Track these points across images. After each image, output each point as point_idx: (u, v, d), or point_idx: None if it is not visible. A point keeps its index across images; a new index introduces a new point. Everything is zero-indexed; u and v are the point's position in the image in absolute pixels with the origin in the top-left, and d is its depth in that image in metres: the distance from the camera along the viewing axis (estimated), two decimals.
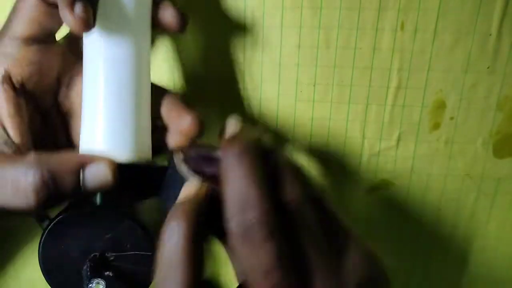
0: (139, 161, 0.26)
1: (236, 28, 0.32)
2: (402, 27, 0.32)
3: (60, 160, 0.24)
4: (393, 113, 0.34)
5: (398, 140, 0.35)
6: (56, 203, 0.24)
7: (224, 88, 0.34)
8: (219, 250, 0.39)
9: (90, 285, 0.27)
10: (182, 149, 0.22)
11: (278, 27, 0.32)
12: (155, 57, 0.33)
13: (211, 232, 0.25)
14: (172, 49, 0.33)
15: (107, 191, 0.25)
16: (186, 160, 0.22)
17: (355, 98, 0.34)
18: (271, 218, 0.19)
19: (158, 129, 0.28)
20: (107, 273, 0.30)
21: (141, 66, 0.26)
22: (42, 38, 0.26)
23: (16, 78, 0.25)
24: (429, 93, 0.33)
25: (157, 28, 0.27)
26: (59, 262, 0.30)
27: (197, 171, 0.22)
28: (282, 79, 0.33)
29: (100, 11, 0.24)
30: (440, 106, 0.34)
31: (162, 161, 0.29)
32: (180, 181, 0.24)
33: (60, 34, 0.28)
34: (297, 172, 0.21)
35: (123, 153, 0.25)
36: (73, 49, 0.28)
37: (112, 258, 0.30)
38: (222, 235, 0.25)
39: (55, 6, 0.24)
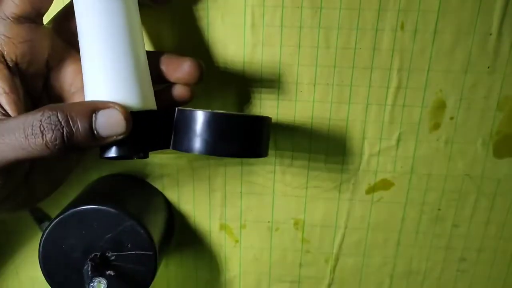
0: (146, 109, 0.27)
1: (236, 28, 0.32)
2: (402, 27, 0.32)
3: (73, 105, 0.24)
4: (393, 113, 0.34)
5: (398, 140, 0.35)
6: (71, 150, 0.24)
7: (224, 88, 0.34)
8: (219, 249, 0.39)
9: (92, 284, 0.27)
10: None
11: (278, 27, 0.32)
12: None
13: None
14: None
15: (122, 141, 0.25)
16: None
17: (355, 98, 0.34)
18: None
19: (163, 93, 0.29)
20: (108, 272, 0.30)
21: (132, 17, 0.26)
22: (32, 18, 0.26)
23: (10, 57, 0.26)
24: (429, 93, 0.33)
25: None
26: (59, 261, 0.30)
27: None
28: (282, 79, 0.33)
29: None
30: (440, 106, 0.34)
31: None
32: (189, 125, 0.26)
33: (46, 19, 0.28)
34: None
35: (129, 103, 0.26)
36: (59, 33, 0.29)
37: (113, 258, 0.30)
38: None
39: None
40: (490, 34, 0.31)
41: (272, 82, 0.34)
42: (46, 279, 0.31)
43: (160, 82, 0.29)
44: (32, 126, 0.23)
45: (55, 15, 0.29)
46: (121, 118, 0.25)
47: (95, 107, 0.24)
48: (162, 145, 0.28)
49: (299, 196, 0.37)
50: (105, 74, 0.26)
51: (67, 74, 0.29)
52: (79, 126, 0.24)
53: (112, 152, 0.26)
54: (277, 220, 0.38)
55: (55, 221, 0.30)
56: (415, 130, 0.34)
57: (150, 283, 0.31)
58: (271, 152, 0.36)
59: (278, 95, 0.34)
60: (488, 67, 0.32)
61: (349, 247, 0.38)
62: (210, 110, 0.26)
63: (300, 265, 0.39)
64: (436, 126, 0.34)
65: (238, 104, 0.34)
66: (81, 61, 0.27)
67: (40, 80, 0.28)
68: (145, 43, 0.29)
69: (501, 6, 0.31)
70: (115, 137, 0.25)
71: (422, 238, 0.37)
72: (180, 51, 0.33)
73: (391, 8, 0.31)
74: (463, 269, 0.38)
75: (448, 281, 0.39)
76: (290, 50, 0.33)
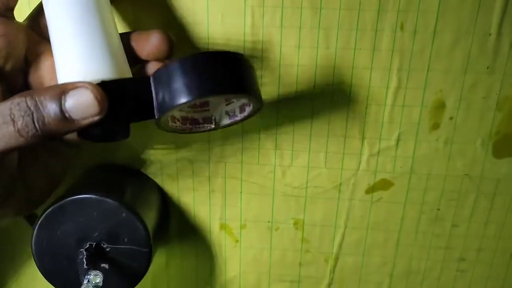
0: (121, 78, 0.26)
1: (236, 28, 0.32)
2: (401, 28, 0.32)
3: (42, 89, 0.24)
4: (393, 113, 0.34)
5: (398, 140, 0.35)
6: (48, 137, 0.24)
7: None
8: (219, 249, 0.39)
9: (88, 276, 0.27)
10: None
11: (278, 27, 0.32)
12: None
13: None
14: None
15: (103, 120, 0.24)
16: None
17: (355, 98, 0.34)
18: None
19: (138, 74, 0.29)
20: (103, 265, 0.30)
21: None
22: (1, 12, 0.26)
23: None
24: (428, 93, 0.33)
25: None
26: (52, 247, 0.30)
27: None
28: (282, 79, 0.34)
29: None
30: (440, 106, 0.34)
31: None
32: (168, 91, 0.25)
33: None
34: None
35: (101, 74, 0.25)
36: (35, 28, 0.28)
37: (108, 250, 0.30)
38: None
39: None
40: (490, 34, 0.32)
41: (271, 82, 0.34)
42: (36, 263, 0.30)
43: (135, 63, 0.28)
44: (3, 115, 0.23)
45: (30, 13, 0.29)
46: (91, 98, 0.23)
47: (64, 89, 0.23)
48: (144, 116, 0.26)
49: (299, 196, 0.37)
50: (76, 48, 0.25)
51: (46, 69, 0.28)
52: (49, 110, 0.23)
53: (92, 129, 0.25)
54: (277, 220, 0.38)
55: (53, 206, 0.29)
56: (414, 130, 0.34)
57: (139, 280, 0.31)
58: (271, 152, 0.36)
59: (278, 95, 0.34)
60: (488, 67, 0.32)
61: (349, 246, 0.38)
62: (181, 57, 0.25)
63: (300, 264, 0.39)
64: (435, 126, 0.34)
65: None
66: (51, 43, 0.26)
67: (20, 76, 0.28)
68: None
69: (500, 6, 0.31)
70: (90, 119, 0.24)
71: (421, 238, 0.38)
72: (180, 51, 0.33)
73: (390, 9, 0.31)
74: (463, 269, 0.38)
75: (448, 281, 0.39)
76: (290, 50, 0.33)
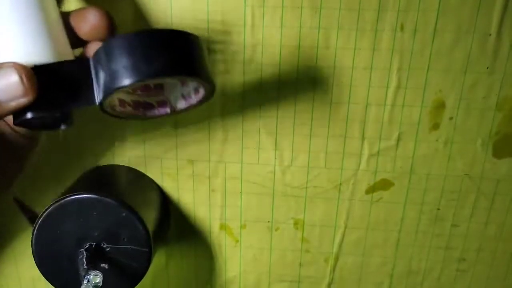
0: (60, 60, 0.24)
1: (236, 28, 0.32)
2: (401, 28, 0.32)
3: None
4: (393, 113, 0.34)
5: (398, 140, 0.35)
6: None
7: (224, 88, 0.34)
8: (219, 249, 0.39)
9: (88, 276, 0.27)
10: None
11: (278, 27, 0.32)
12: None
13: None
14: None
15: (37, 105, 0.23)
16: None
17: (355, 98, 0.34)
18: None
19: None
20: (103, 265, 0.29)
21: None
22: None
23: None
24: (428, 93, 0.33)
25: None
26: (52, 246, 0.30)
27: None
28: (282, 79, 0.34)
29: None
30: (440, 106, 0.34)
31: None
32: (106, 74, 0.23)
33: None
34: None
35: (40, 57, 0.23)
36: None
37: (108, 249, 0.30)
38: None
39: None
40: (490, 34, 0.32)
41: (272, 82, 0.34)
42: (36, 263, 0.30)
43: (79, 45, 0.27)
44: None
45: None
46: (16, 79, 0.22)
47: None
48: (85, 101, 0.24)
49: (299, 196, 0.37)
50: (7, 27, 0.23)
51: None
52: None
53: (24, 115, 0.23)
54: (277, 220, 0.38)
55: (53, 205, 0.29)
56: (414, 130, 0.34)
57: (140, 280, 0.31)
58: (271, 152, 0.36)
59: (278, 95, 0.34)
60: (488, 67, 0.32)
61: (349, 246, 0.38)
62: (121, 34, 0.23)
63: (300, 264, 0.39)
64: (435, 126, 0.34)
65: (238, 105, 0.35)
66: None
67: None
68: None
69: (500, 6, 0.31)
70: (16, 101, 0.22)
71: (421, 238, 0.38)
72: None
73: (390, 8, 0.31)
74: (463, 269, 0.38)
75: (448, 281, 0.39)
76: (290, 50, 0.33)
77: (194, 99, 0.27)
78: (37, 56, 0.23)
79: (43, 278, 0.31)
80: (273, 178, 0.37)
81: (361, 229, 0.38)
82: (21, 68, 0.22)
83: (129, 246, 0.30)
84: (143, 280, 0.32)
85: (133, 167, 0.37)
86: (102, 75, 0.23)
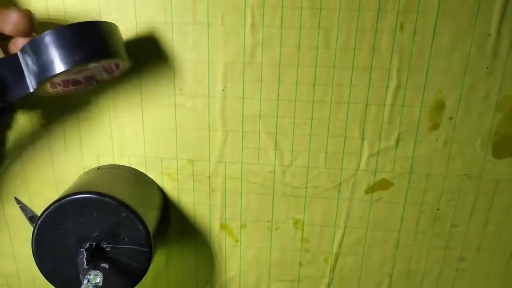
0: None
1: (236, 28, 0.32)
2: (401, 28, 0.32)
3: None
4: (393, 113, 0.34)
5: (398, 140, 0.35)
6: None
7: (224, 88, 0.34)
8: (219, 249, 0.39)
9: (88, 276, 0.27)
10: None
11: (278, 27, 0.32)
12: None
13: None
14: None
15: None
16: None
17: (355, 98, 0.34)
18: None
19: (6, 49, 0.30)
20: (103, 264, 0.30)
21: None
22: None
23: None
24: (428, 93, 0.33)
25: None
26: (52, 245, 0.30)
27: None
28: (282, 79, 0.34)
29: None
30: (439, 106, 0.34)
31: None
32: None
33: None
34: None
35: None
36: None
37: (108, 249, 0.30)
38: None
39: None
40: (489, 35, 0.32)
41: (272, 82, 0.34)
42: (36, 262, 0.31)
43: (3, 39, 0.30)
44: None
45: None
46: None
47: None
48: (20, 91, 0.28)
49: (299, 195, 0.37)
50: None
51: None
52: None
53: None
54: (277, 220, 0.38)
55: (54, 206, 0.30)
56: (414, 130, 0.34)
57: (140, 280, 0.31)
58: (271, 152, 0.36)
59: (278, 95, 0.34)
60: (487, 68, 0.32)
61: (349, 246, 0.38)
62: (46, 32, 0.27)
63: (300, 264, 0.39)
64: (435, 126, 0.34)
65: (238, 104, 0.35)
66: None
67: None
68: None
69: (500, 6, 0.31)
70: None
71: (421, 238, 0.38)
72: (179, 51, 0.33)
73: (390, 9, 0.31)
74: (462, 269, 0.38)
75: (447, 281, 0.39)
76: (290, 51, 0.33)
77: (116, 72, 0.32)
78: None
79: (43, 277, 0.31)
80: (273, 178, 0.37)
81: (361, 229, 0.38)
82: None
83: (129, 246, 0.30)
84: (143, 279, 0.32)
85: (134, 167, 0.37)
86: (33, 67, 0.27)
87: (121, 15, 0.33)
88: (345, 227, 0.38)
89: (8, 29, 0.29)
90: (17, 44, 0.29)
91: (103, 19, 0.33)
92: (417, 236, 0.38)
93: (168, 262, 0.40)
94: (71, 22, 0.33)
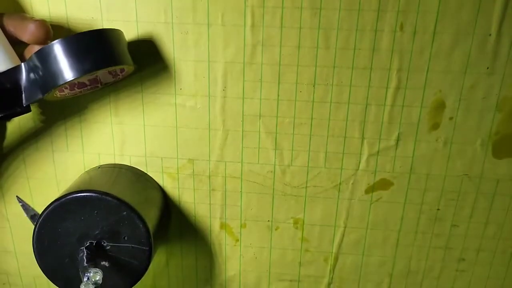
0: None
1: (236, 28, 0.32)
2: (401, 28, 0.32)
3: None
4: (392, 113, 0.34)
5: (397, 140, 0.35)
6: None
7: (224, 88, 0.34)
8: (219, 248, 0.40)
9: (88, 274, 0.27)
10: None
11: (278, 27, 0.32)
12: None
13: None
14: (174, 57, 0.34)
15: None
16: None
17: (355, 98, 0.34)
18: None
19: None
20: (103, 262, 0.30)
21: None
22: None
23: None
24: (428, 94, 0.33)
25: None
26: (53, 243, 0.30)
27: None
28: (282, 79, 0.34)
29: None
30: (439, 106, 0.34)
31: None
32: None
33: None
34: None
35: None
36: None
37: (108, 248, 0.30)
38: None
39: None
40: (490, 35, 0.32)
41: (272, 82, 0.34)
42: (37, 260, 0.31)
43: (19, 43, 0.31)
44: None
45: None
46: None
47: None
48: (33, 96, 0.29)
49: (299, 195, 0.37)
50: None
51: None
52: None
53: None
54: (276, 219, 0.38)
55: (54, 204, 0.30)
56: (414, 130, 0.34)
57: (140, 278, 0.31)
58: (271, 152, 0.36)
59: (278, 95, 0.34)
60: (487, 68, 0.32)
61: (349, 246, 0.38)
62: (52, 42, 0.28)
63: (300, 264, 0.39)
64: (435, 126, 0.34)
65: (238, 105, 0.35)
66: None
67: None
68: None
69: (500, 7, 0.31)
70: None
71: (421, 238, 0.38)
72: (178, 51, 0.33)
73: (390, 9, 0.31)
74: (462, 269, 0.38)
75: (447, 281, 0.39)
76: (290, 51, 0.33)
77: (120, 75, 0.33)
78: None
79: (44, 275, 0.31)
80: (273, 178, 0.37)
81: (361, 229, 0.38)
82: None
83: (130, 245, 0.31)
84: (144, 278, 0.32)
85: (134, 166, 0.37)
86: (43, 75, 0.28)
87: (122, 15, 0.33)
88: (345, 227, 0.38)
89: (26, 37, 0.30)
90: (33, 51, 0.30)
91: (104, 20, 0.33)
92: (417, 236, 0.38)
93: (169, 261, 0.40)
94: (73, 24, 0.33)
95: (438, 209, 0.37)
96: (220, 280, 0.41)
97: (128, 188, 0.34)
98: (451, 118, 0.34)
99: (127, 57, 0.31)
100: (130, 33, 0.33)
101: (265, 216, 0.38)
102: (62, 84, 0.28)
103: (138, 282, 0.32)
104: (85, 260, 0.28)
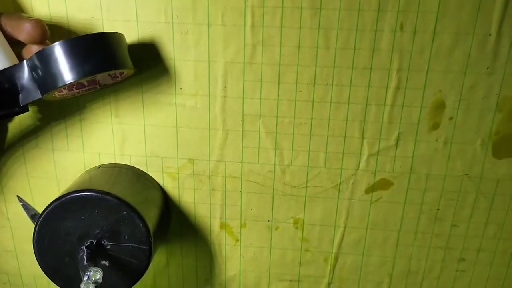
0: None
1: (236, 28, 0.33)
2: (401, 28, 0.32)
3: None
4: (392, 113, 0.34)
5: (397, 140, 0.35)
6: None
7: (224, 88, 0.34)
8: (219, 248, 0.40)
9: (88, 273, 0.27)
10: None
11: (278, 27, 0.32)
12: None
13: None
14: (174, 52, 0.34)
15: None
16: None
17: (355, 98, 0.34)
18: None
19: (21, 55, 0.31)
20: (103, 262, 0.30)
21: None
22: None
23: None
24: (428, 94, 0.33)
25: None
26: (53, 242, 0.30)
27: None
28: (282, 79, 0.34)
29: None
30: (439, 106, 0.34)
31: None
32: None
33: None
34: None
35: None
36: None
37: (108, 247, 0.30)
38: None
39: None
40: (490, 35, 0.32)
41: (272, 82, 0.34)
42: (37, 259, 0.31)
43: (17, 43, 0.31)
44: None
45: None
46: None
47: None
48: (31, 96, 0.29)
49: (299, 195, 0.37)
50: None
51: None
52: None
53: None
54: (276, 219, 0.38)
55: (55, 203, 0.30)
56: (414, 130, 0.34)
57: (140, 278, 0.31)
58: (271, 151, 0.36)
59: (278, 95, 0.34)
60: (488, 68, 0.32)
61: (349, 246, 0.38)
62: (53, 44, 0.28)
63: (300, 264, 0.39)
64: (435, 126, 0.34)
65: (238, 104, 0.35)
66: None
67: None
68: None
69: (500, 6, 0.31)
70: None
71: (421, 238, 0.38)
72: (178, 51, 0.34)
73: (390, 9, 0.31)
74: (462, 269, 0.38)
75: (447, 281, 0.39)
76: (290, 51, 0.33)
77: (119, 77, 0.33)
78: None
79: (44, 275, 0.31)
80: (273, 178, 0.37)
81: (361, 229, 0.38)
82: None
83: (130, 244, 0.31)
84: (144, 278, 0.32)
85: (134, 166, 0.37)
86: (42, 76, 0.28)
87: (122, 15, 0.33)
88: (345, 227, 0.38)
89: (22, 37, 0.30)
90: (31, 51, 0.30)
91: (104, 19, 0.33)
92: (417, 236, 0.38)
93: (169, 261, 0.40)
94: (73, 24, 0.33)
95: (438, 209, 0.37)
96: (220, 280, 0.41)
97: (128, 187, 0.34)
98: (451, 118, 0.34)
99: (128, 61, 0.31)
100: (130, 33, 0.33)
101: (265, 216, 0.38)
102: (62, 86, 0.28)
103: (138, 282, 0.32)
104: (85, 259, 0.28)
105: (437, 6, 0.31)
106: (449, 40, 0.32)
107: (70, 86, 0.32)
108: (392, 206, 0.37)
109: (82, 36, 0.28)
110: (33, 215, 0.39)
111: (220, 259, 0.40)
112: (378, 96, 0.34)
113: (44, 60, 0.28)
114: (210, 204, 0.38)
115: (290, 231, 0.38)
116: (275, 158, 0.36)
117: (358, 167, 0.36)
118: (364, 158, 0.36)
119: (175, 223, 0.39)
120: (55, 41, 0.28)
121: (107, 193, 0.30)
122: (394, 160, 0.35)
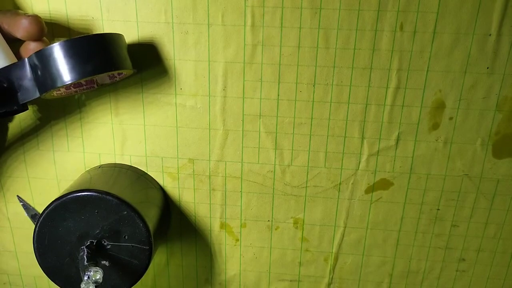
0: None
1: (236, 28, 0.33)
2: (401, 28, 0.32)
3: None
4: (392, 113, 0.34)
5: (397, 140, 0.35)
6: None
7: (225, 88, 0.34)
8: (219, 248, 0.40)
9: (88, 273, 0.27)
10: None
11: (278, 27, 0.32)
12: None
13: None
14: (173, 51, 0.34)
15: None
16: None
17: (355, 98, 0.34)
18: None
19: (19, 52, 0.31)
20: (103, 262, 0.30)
21: None
22: None
23: None
24: (428, 94, 0.33)
25: None
26: (53, 242, 0.30)
27: None
28: (282, 79, 0.34)
29: None
30: (439, 106, 0.34)
31: None
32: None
33: None
34: None
35: None
36: None
37: (109, 247, 0.30)
38: None
39: None
40: (490, 35, 0.32)
41: (272, 82, 0.34)
42: (37, 259, 0.31)
43: (15, 41, 0.30)
44: None
45: None
46: None
47: None
48: (30, 94, 0.29)
49: (299, 195, 0.37)
50: None
51: None
52: None
53: None
54: (276, 219, 0.38)
55: (55, 203, 0.30)
56: (414, 130, 0.34)
57: (140, 278, 0.31)
58: (271, 151, 0.36)
59: (278, 95, 0.34)
60: (488, 68, 0.32)
61: (349, 246, 0.38)
62: (54, 43, 0.28)
63: (300, 264, 0.39)
64: (435, 126, 0.34)
65: (238, 104, 0.35)
66: None
67: None
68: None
69: (500, 6, 0.31)
70: None
71: (421, 238, 0.38)
72: (178, 51, 0.34)
73: (390, 9, 0.31)
74: (463, 269, 0.38)
75: (448, 281, 0.39)
76: (290, 51, 0.33)
77: (118, 77, 0.34)
78: None
79: (44, 275, 0.31)
80: (273, 178, 0.37)
81: (361, 229, 0.38)
82: None
83: (130, 244, 0.31)
84: (144, 278, 0.32)
85: (135, 166, 0.37)
86: (41, 75, 0.28)
87: (122, 15, 0.33)
88: (345, 227, 0.38)
89: (20, 34, 0.30)
90: (28, 48, 0.30)
91: (104, 19, 0.33)
92: (417, 236, 0.38)
93: (169, 261, 0.40)
94: (73, 24, 0.33)
95: (438, 209, 0.37)
96: (220, 280, 0.41)
97: (128, 187, 0.34)
98: (451, 118, 0.34)
99: (127, 61, 0.31)
100: (130, 33, 0.33)
101: (265, 216, 0.38)
102: (61, 86, 0.28)
103: (138, 282, 0.32)
104: (86, 259, 0.28)
105: (437, 6, 0.31)
106: (449, 40, 0.32)
107: (67, 85, 0.32)
108: (392, 206, 0.37)
109: (82, 37, 0.28)
110: (33, 215, 0.39)
111: (220, 259, 0.40)
112: (378, 96, 0.34)
113: (44, 60, 0.28)
114: (210, 204, 0.38)
115: (290, 231, 0.38)
116: (275, 158, 0.36)
117: (358, 167, 0.36)
118: (364, 158, 0.36)
119: (175, 223, 0.39)
120: (54, 41, 0.28)
121: (107, 193, 0.30)
122: (394, 160, 0.35)
